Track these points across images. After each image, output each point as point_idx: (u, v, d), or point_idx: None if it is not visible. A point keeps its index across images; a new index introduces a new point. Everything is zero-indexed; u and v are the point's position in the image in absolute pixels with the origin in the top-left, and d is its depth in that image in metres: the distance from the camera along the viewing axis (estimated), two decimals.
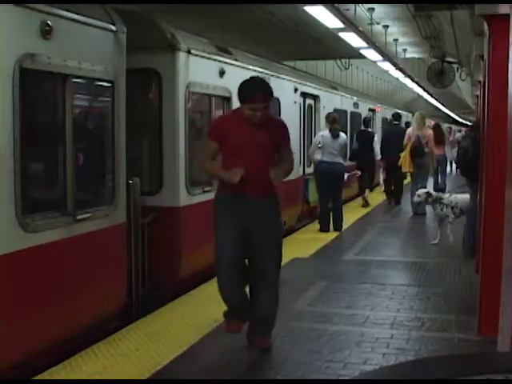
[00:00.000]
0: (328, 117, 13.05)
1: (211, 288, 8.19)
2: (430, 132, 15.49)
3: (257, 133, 5.77)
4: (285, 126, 6.15)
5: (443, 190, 17.97)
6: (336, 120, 12.93)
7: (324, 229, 12.62)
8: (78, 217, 6.12)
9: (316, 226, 13.01)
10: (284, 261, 9.57)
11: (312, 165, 13.38)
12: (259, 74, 10.81)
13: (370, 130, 17.44)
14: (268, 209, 5.91)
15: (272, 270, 5.96)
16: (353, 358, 5.79)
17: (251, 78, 6.10)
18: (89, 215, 6.30)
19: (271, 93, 5.84)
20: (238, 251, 5.81)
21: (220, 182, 5.99)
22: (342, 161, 12.72)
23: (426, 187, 14.15)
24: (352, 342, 6.19)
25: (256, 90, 5.70)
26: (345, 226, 13.01)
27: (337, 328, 6.63)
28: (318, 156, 12.46)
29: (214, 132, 5.97)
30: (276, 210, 6.04)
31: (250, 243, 5.87)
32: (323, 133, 12.63)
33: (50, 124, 6.33)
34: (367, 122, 17.47)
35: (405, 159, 14.55)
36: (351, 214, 14.65)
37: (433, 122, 23.51)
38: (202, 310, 7.24)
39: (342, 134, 12.81)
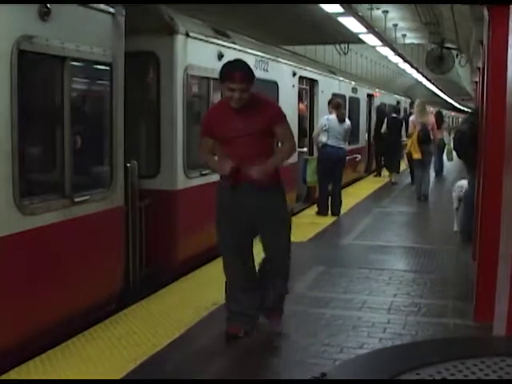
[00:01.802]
0: (332, 102, 13.05)
1: (209, 271, 8.23)
2: (433, 119, 15.64)
3: (243, 119, 5.65)
4: (274, 104, 6.01)
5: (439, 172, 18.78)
6: (341, 105, 13.01)
7: (323, 212, 12.67)
8: (76, 199, 6.11)
9: (314, 210, 13.04)
10: None
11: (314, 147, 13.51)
12: (258, 58, 10.81)
13: (399, 117, 19.46)
14: (269, 196, 5.79)
15: (280, 257, 5.99)
16: (349, 342, 5.81)
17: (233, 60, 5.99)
18: (87, 198, 6.30)
19: (252, 75, 5.65)
20: (242, 250, 5.88)
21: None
22: (345, 146, 12.82)
23: (429, 173, 14.33)
24: (349, 327, 6.21)
25: (234, 69, 5.57)
26: (343, 211, 13.03)
27: (334, 312, 6.65)
28: (323, 139, 12.48)
29: (205, 128, 5.97)
30: (279, 197, 5.92)
31: (256, 232, 5.89)
32: (329, 116, 12.63)
33: (47, 106, 6.32)
34: (397, 110, 20.26)
35: (414, 147, 14.63)
36: (350, 199, 14.66)
37: (433, 109, 23.55)
38: (200, 293, 7.26)
39: (347, 120, 12.96)
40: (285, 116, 5.93)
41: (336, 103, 12.90)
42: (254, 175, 5.56)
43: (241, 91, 5.51)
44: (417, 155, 14.78)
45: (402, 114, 20.02)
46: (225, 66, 5.71)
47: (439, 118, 19.02)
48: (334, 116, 12.58)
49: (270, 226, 5.85)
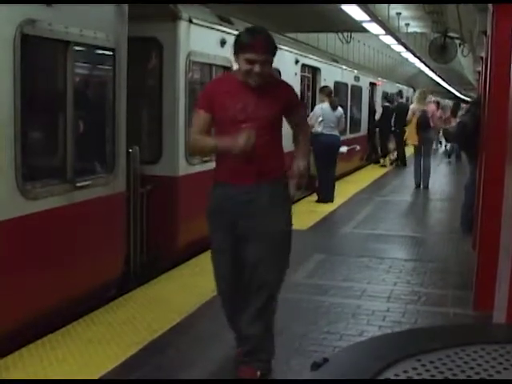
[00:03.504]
0: (324, 90, 13.10)
1: (209, 258, 8.23)
2: (433, 107, 15.73)
3: (256, 100, 4.65)
4: (290, 86, 5.02)
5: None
6: (332, 92, 13.09)
7: (324, 199, 12.77)
8: (78, 184, 6.12)
9: (314, 198, 13.06)
10: None
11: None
12: None
13: (392, 106, 20.22)
14: (272, 201, 4.69)
15: (268, 280, 4.74)
16: (349, 329, 5.84)
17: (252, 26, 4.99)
18: (89, 183, 6.31)
19: (275, 45, 4.69)
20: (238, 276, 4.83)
21: (215, 171, 4.97)
22: (338, 133, 12.94)
23: (430, 161, 14.46)
24: (348, 315, 6.24)
25: (255, 36, 4.58)
26: (343, 199, 13.06)
27: (333, 300, 6.67)
28: (318, 128, 12.52)
29: (203, 99, 4.85)
30: (284, 202, 4.83)
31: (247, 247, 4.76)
32: (323, 105, 12.68)
33: (50, 91, 6.32)
34: (391, 99, 20.81)
35: (411, 133, 14.78)
36: (350, 188, 14.68)
37: (433, 98, 23.64)
38: (200, 279, 7.26)
39: (339, 107, 13.03)
40: (303, 104, 5.28)
41: (328, 91, 12.98)
42: (298, 171, 4.81)
43: (262, 64, 4.56)
44: (412, 141, 14.92)
45: (395, 102, 20.50)
46: (242, 33, 4.71)
47: (457, 108, 19.61)
48: (327, 104, 12.67)
49: (262, 240, 4.72)
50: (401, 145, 19.97)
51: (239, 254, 4.77)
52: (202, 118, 4.74)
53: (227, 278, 4.87)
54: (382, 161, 20.56)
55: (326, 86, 13.45)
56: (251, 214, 4.66)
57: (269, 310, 4.79)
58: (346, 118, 16.56)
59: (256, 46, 4.52)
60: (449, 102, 42.43)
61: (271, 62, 4.68)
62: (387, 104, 20.52)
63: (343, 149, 16.37)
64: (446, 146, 26.99)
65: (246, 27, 4.83)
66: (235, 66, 9.69)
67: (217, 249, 4.91)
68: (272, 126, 4.72)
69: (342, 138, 14.01)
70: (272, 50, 4.65)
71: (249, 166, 4.62)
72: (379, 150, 21.00)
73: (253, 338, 4.76)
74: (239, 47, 4.61)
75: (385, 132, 20.34)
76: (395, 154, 20.54)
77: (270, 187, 4.68)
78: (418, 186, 15.08)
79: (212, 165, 9.28)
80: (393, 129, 19.92)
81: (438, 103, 21.86)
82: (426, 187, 14.98)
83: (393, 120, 19.94)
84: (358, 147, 19.30)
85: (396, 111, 20.04)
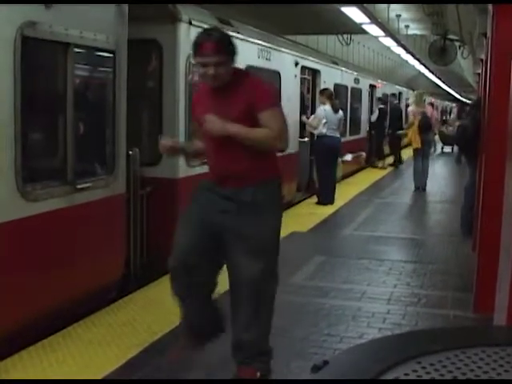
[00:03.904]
0: (325, 92, 13.10)
1: None
2: (430, 108, 15.75)
3: (221, 102, 4.51)
4: (262, 84, 4.72)
5: None
6: (333, 95, 13.11)
7: (324, 201, 12.76)
8: (78, 186, 6.13)
9: (314, 200, 13.06)
10: (282, 235, 9.67)
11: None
12: (260, 47, 10.80)
13: (386, 108, 20.68)
14: (252, 205, 4.52)
15: (250, 284, 4.57)
16: (349, 332, 5.84)
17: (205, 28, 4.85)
18: (89, 185, 6.31)
19: (228, 44, 4.50)
20: (198, 251, 4.62)
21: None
22: (339, 135, 13.01)
23: (428, 163, 14.53)
24: (349, 317, 6.23)
25: (204, 39, 4.42)
26: (344, 201, 13.07)
27: (334, 302, 6.67)
28: (322, 130, 12.55)
29: (192, 109, 5.04)
30: (269, 205, 4.60)
31: (225, 249, 4.63)
32: (325, 107, 12.69)
33: (50, 93, 6.32)
34: (385, 101, 21.18)
35: (414, 136, 14.74)
36: (350, 190, 14.68)
37: (433, 100, 23.70)
38: None
39: (340, 110, 13.07)
40: (276, 102, 4.74)
41: (329, 93, 12.99)
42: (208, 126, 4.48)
43: (215, 66, 4.40)
44: (416, 145, 14.90)
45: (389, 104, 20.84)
46: (196, 36, 4.54)
47: (462, 110, 20.53)
48: (328, 106, 12.67)
49: (240, 243, 4.57)
50: (397, 146, 20.17)
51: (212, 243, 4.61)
52: (193, 126, 4.93)
53: (186, 250, 4.67)
54: (380, 164, 20.50)
55: (327, 89, 13.46)
56: (228, 218, 4.54)
57: (261, 313, 4.66)
58: (345, 120, 16.68)
59: (206, 48, 4.39)
60: (449, 105, 42.45)
61: (228, 62, 4.49)
62: (382, 106, 20.60)
63: (348, 157, 16.55)
64: (442, 148, 27.12)
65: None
66: None
67: (187, 217, 4.80)
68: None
69: (342, 139, 14.02)
70: (226, 50, 4.47)
71: (225, 170, 4.56)
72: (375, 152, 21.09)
73: (249, 343, 4.67)
74: (193, 51, 4.51)
75: (381, 134, 20.54)
76: (390, 158, 20.65)
77: (252, 189, 4.52)
78: (417, 188, 15.11)
79: None
80: (387, 130, 20.19)
81: (432, 104, 22.00)
82: (424, 189, 15.02)
83: (387, 122, 20.19)
84: (364, 154, 19.51)
85: (390, 113, 20.29)
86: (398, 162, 20.46)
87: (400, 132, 18.83)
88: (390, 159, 20.89)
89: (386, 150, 21.19)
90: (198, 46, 4.43)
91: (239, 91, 4.52)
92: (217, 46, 4.39)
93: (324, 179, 12.89)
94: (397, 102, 21.06)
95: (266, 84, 4.82)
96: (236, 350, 4.75)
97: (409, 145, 17.31)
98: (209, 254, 4.62)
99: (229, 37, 4.60)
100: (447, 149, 27.07)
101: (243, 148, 4.47)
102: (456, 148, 23.21)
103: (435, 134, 19.53)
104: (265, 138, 4.47)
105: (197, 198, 4.75)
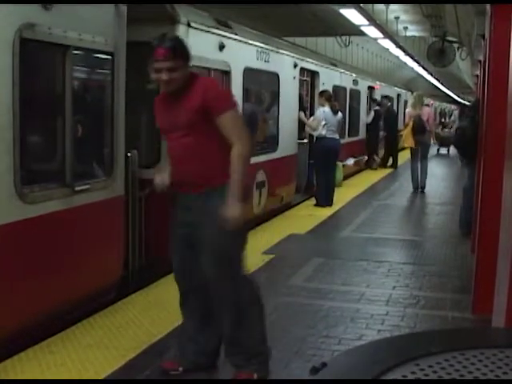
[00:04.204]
0: (324, 94, 13.12)
1: None
2: (429, 110, 15.77)
3: (174, 107, 4.59)
4: (209, 85, 4.69)
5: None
6: (332, 96, 13.12)
7: (322, 203, 12.74)
8: (77, 188, 6.11)
9: (312, 202, 13.07)
10: (281, 237, 9.72)
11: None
12: (259, 49, 10.80)
13: (381, 110, 20.61)
14: (206, 209, 4.53)
15: (217, 290, 4.66)
16: (348, 333, 5.83)
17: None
18: (87, 187, 6.30)
19: (182, 49, 4.55)
20: (184, 264, 4.80)
21: None
22: (338, 137, 13.03)
23: (427, 164, 14.58)
24: (347, 318, 6.23)
25: (157, 45, 4.45)
26: (342, 203, 13.08)
27: (332, 304, 6.67)
28: (322, 132, 12.56)
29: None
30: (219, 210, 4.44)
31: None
32: (325, 109, 12.71)
33: (49, 95, 6.32)
34: (380, 103, 21.07)
35: (407, 136, 14.87)
36: (349, 192, 14.69)
37: (432, 102, 23.73)
38: None
39: (339, 112, 13.11)
40: (232, 104, 4.62)
41: (328, 95, 13.01)
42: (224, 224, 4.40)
43: (169, 71, 4.43)
44: (408, 144, 15.02)
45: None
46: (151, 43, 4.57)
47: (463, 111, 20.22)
48: (327, 108, 12.69)
49: (201, 245, 4.62)
50: (394, 147, 20.27)
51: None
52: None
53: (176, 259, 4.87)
54: (374, 164, 20.58)
55: (326, 90, 13.47)
56: (188, 222, 4.64)
57: (238, 317, 4.66)
58: (344, 121, 16.71)
59: (157, 54, 4.43)
60: (447, 106, 42.46)
61: (182, 68, 4.50)
62: (377, 108, 20.66)
63: (350, 161, 16.60)
64: (438, 150, 27.20)
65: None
66: (234, 71, 9.75)
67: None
68: (195, 132, 4.51)
69: (341, 141, 14.02)
70: (180, 55, 4.50)
71: (181, 176, 4.64)
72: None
73: (232, 345, 4.76)
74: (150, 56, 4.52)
75: (375, 136, 20.63)
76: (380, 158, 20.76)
77: (205, 197, 4.53)
78: (415, 188, 15.15)
79: None
80: (381, 133, 20.29)
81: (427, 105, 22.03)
82: (423, 190, 15.06)
83: (381, 124, 20.27)
84: (366, 157, 19.61)
85: (385, 115, 20.37)
86: (394, 163, 20.57)
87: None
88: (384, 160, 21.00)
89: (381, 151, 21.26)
90: (152, 52, 4.46)
91: (192, 95, 4.51)
92: (169, 51, 4.42)
93: (322, 181, 12.89)
94: (390, 104, 21.04)
95: (219, 86, 4.91)
96: (226, 353, 4.84)
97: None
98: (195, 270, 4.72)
99: (182, 42, 4.64)
100: (443, 150, 27.18)
101: (198, 154, 4.53)
102: (452, 149, 23.46)
103: (431, 135, 19.47)
104: (242, 160, 4.47)
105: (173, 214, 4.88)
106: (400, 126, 20.86)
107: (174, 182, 4.70)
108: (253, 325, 4.74)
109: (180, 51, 4.52)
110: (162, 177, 4.79)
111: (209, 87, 4.60)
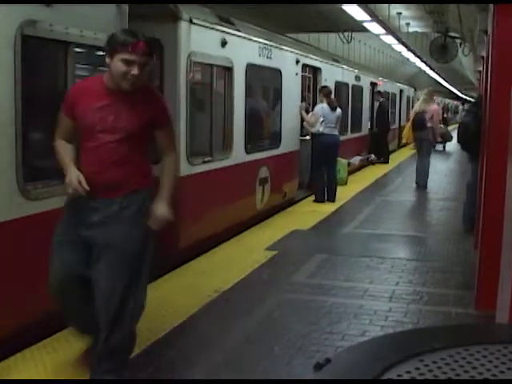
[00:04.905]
0: (323, 90, 13.12)
1: (210, 259, 8.24)
2: (435, 107, 15.69)
3: (120, 110, 4.37)
4: (161, 100, 4.73)
5: None
6: (331, 93, 13.11)
7: (320, 199, 12.78)
8: None
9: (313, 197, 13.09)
10: (284, 233, 9.72)
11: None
12: (261, 45, 10.79)
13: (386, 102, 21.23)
14: (119, 215, 4.43)
15: (108, 299, 4.44)
16: (351, 329, 5.83)
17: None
18: None
19: (153, 48, 4.53)
20: (73, 266, 4.56)
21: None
22: (337, 133, 13.01)
23: (429, 161, 14.53)
24: (350, 314, 6.23)
25: (137, 37, 4.30)
26: (345, 199, 13.07)
27: (335, 300, 6.66)
28: (320, 128, 12.55)
29: (66, 103, 4.53)
30: (135, 217, 4.46)
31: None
32: (323, 105, 12.71)
33: (51, 92, 6.31)
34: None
35: (407, 131, 14.90)
36: (352, 188, 14.68)
37: (435, 98, 23.74)
38: (202, 280, 7.27)
39: (338, 108, 13.05)
40: (170, 118, 4.71)
41: (327, 91, 12.99)
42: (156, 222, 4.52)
43: (142, 66, 4.30)
44: (405, 140, 15.07)
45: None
46: (119, 32, 4.45)
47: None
48: (326, 104, 12.67)
49: (105, 252, 4.46)
50: (384, 143, 20.39)
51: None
52: (64, 122, 4.53)
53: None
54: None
55: (326, 86, 13.46)
56: (96, 225, 4.44)
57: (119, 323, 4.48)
58: (347, 117, 16.69)
59: (138, 46, 4.25)
60: (450, 102, 42.38)
61: (149, 66, 4.46)
62: (382, 99, 20.76)
63: (355, 160, 16.60)
64: (434, 146, 27.18)
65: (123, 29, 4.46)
66: (236, 67, 9.72)
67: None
68: (132, 140, 4.40)
69: (344, 137, 14.03)
70: (152, 54, 4.50)
71: (105, 181, 4.39)
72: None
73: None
74: (116, 46, 4.29)
75: (383, 129, 20.80)
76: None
77: (120, 201, 4.42)
78: (417, 184, 15.12)
79: (213, 165, 9.33)
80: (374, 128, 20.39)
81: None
82: (425, 187, 14.99)
83: (374, 119, 20.33)
84: (372, 156, 19.66)
85: (377, 110, 20.40)
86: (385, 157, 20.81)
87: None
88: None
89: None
90: (127, 43, 4.25)
91: (145, 104, 4.46)
92: (148, 47, 4.32)
93: (320, 177, 12.89)
94: (382, 99, 21.02)
95: (163, 101, 4.77)
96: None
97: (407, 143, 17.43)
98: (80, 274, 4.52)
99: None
100: (439, 147, 27.10)
101: (126, 161, 4.41)
102: (447, 145, 23.52)
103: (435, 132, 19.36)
104: (173, 180, 4.68)
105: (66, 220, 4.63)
106: (400, 122, 20.85)
107: (91, 186, 4.31)
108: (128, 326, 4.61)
109: (153, 50, 4.50)
110: (78, 178, 4.30)
111: (158, 97, 4.67)
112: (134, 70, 4.26)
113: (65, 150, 4.50)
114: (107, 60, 4.38)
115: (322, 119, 12.52)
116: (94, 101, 4.39)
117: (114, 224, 4.41)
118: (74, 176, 4.28)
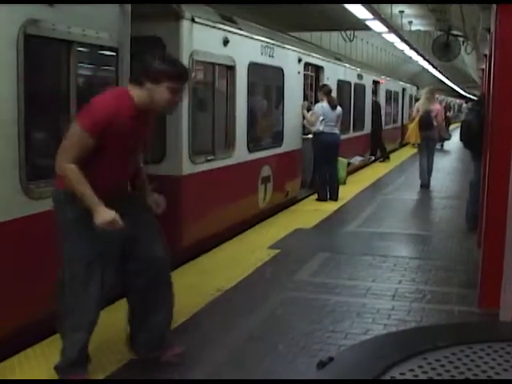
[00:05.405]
0: (323, 88, 13.10)
1: (213, 258, 8.24)
2: (439, 107, 15.66)
3: (141, 128, 4.65)
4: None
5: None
6: (331, 91, 13.10)
7: (322, 197, 12.76)
8: None
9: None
10: (286, 232, 9.72)
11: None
12: (264, 44, 10.78)
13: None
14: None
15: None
16: (354, 328, 5.82)
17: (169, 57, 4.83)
18: None
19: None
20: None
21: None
22: (338, 132, 12.96)
23: (433, 160, 14.48)
24: (353, 313, 6.22)
25: (183, 66, 4.63)
26: (348, 198, 13.06)
27: (338, 299, 6.66)
28: (320, 127, 12.53)
29: (97, 122, 4.38)
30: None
31: None
32: (323, 104, 12.68)
33: (54, 91, 6.31)
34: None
35: (413, 131, 14.75)
36: (354, 186, 14.67)
37: (438, 97, 23.72)
38: (205, 279, 7.27)
39: (338, 106, 13.00)
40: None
41: (327, 90, 12.95)
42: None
43: (183, 92, 4.66)
44: (412, 139, 14.94)
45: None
46: (163, 61, 4.51)
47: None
48: (326, 103, 12.64)
49: None
50: (379, 142, 20.41)
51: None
52: (86, 142, 4.38)
53: None
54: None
55: (326, 85, 13.44)
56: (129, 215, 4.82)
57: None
58: (349, 116, 16.65)
59: (184, 75, 4.51)
60: (452, 100, 42.35)
61: None
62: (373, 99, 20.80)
63: (356, 160, 16.56)
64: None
65: (164, 58, 4.60)
66: (238, 66, 9.71)
67: None
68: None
69: (346, 136, 14.00)
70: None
71: (123, 185, 4.93)
72: None
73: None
74: (166, 75, 4.41)
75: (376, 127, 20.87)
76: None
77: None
78: (422, 185, 15.00)
79: (216, 164, 9.33)
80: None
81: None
82: (428, 186, 14.94)
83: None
84: (373, 158, 19.64)
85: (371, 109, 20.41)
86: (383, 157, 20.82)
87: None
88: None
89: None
90: (183, 72, 4.52)
91: (152, 119, 4.79)
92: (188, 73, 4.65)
93: (322, 175, 12.88)
94: (374, 98, 21.02)
95: None
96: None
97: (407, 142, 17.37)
98: None
99: None
100: (437, 145, 27.07)
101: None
102: (445, 144, 23.51)
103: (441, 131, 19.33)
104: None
105: None
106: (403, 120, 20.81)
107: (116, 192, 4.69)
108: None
109: None
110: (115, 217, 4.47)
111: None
112: (178, 98, 4.53)
113: (85, 185, 4.41)
114: (148, 85, 4.46)
115: (322, 118, 12.49)
116: (135, 123, 4.51)
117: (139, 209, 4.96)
118: (112, 216, 4.42)
